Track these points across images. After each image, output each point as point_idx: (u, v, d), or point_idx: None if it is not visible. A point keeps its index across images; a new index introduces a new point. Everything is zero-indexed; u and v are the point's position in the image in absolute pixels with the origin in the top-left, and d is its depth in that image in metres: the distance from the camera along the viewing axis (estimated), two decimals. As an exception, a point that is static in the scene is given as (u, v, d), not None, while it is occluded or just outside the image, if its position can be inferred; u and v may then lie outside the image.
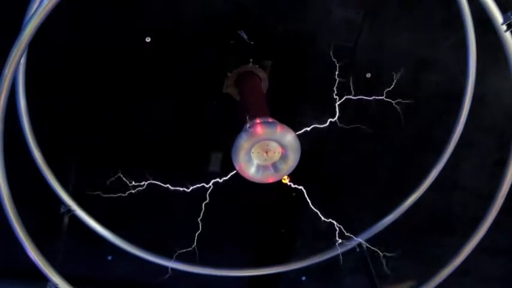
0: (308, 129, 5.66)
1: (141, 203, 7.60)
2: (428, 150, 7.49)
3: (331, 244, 7.22)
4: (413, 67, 7.31)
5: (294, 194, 6.21)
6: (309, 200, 5.92)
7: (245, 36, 6.52)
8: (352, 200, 8.00)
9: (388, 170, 8.05)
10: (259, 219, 8.27)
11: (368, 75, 7.21)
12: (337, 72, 6.52)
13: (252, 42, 6.59)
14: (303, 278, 9.05)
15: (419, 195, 7.07)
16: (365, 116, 7.57)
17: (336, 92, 6.60)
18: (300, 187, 5.85)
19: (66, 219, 6.81)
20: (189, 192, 6.88)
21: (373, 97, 6.40)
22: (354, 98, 7.00)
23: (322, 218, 6.29)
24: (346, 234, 6.44)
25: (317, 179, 7.44)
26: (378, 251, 6.34)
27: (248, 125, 5.44)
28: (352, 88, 7.05)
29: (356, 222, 7.52)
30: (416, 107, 7.44)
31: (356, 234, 7.18)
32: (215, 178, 5.87)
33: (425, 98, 7.51)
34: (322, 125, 6.11)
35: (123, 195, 6.32)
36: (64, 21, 6.22)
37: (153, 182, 6.36)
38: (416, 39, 7.08)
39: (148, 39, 6.78)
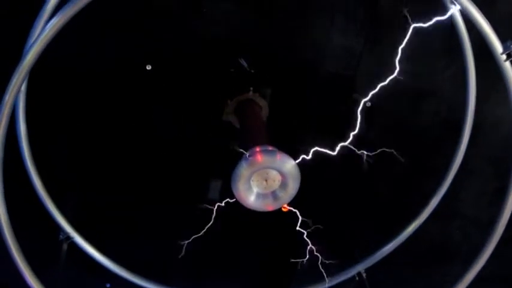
0: (307, 157, 5.64)
1: (140, 228, 7.65)
2: (428, 179, 7.47)
3: (331, 273, 7.22)
4: (413, 95, 7.32)
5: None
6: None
7: (245, 64, 6.52)
8: (352, 228, 7.96)
9: (388, 199, 8.02)
10: (257, 247, 8.22)
11: (368, 103, 7.21)
12: (337, 101, 6.54)
13: (252, 71, 6.59)
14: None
15: (420, 223, 7.07)
16: (365, 143, 7.57)
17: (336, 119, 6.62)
18: (295, 210, 5.80)
19: (65, 246, 6.75)
20: (187, 219, 6.86)
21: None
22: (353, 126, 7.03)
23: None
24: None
25: (316, 206, 7.43)
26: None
27: (248, 153, 5.42)
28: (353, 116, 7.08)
29: (356, 250, 7.50)
30: (415, 135, 7.48)
31: (356, 262, 7.19)
32: (213, 206, 5.84)
33: (425, 127, 7.51)
34: (321, 152, 6.10)
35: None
36: (65, 48, 6.21)
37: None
38: (416, 67, 7.10)
39: (149, 67, 6.79)
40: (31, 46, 4.60)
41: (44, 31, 4.51)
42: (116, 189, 7.56)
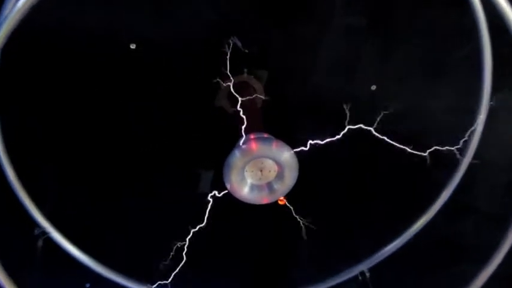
0: (306, 147, 5.37)
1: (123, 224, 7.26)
2: (439, 169, 7.18)
3: (333, 271, 7.06)
4: (423, 79, 7.07)
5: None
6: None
7: (239, 44, 6.19)
8: (356, 224, 7.68)
9: (398, 191, 7.72)
10: (253, 243, 7.92)
11: (373, 87, 6.93)
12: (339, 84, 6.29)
13: (246, 50, 6.29)
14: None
15: (429, 218, 6.94)
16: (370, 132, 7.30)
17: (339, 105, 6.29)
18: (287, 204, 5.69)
19: (40, 242, 6.48)
20: (176, 213, 6.52)
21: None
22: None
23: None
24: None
25: (317, 200, 7.15)
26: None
27: (241, 141, 5.27)
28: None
29: (360, 248, 7.31)
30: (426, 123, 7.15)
31: (359, 261, 7.03)
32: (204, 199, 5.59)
33: (436, 113, 7.18)
34: (323, 141, 5.77)
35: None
36: (47, 26, 6.01)
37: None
38: (428, 48, 6.82)
39: (133, 46, 6.54)
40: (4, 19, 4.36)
41: (16, 5, 4.27)
42: (95, 182, 7.28)
